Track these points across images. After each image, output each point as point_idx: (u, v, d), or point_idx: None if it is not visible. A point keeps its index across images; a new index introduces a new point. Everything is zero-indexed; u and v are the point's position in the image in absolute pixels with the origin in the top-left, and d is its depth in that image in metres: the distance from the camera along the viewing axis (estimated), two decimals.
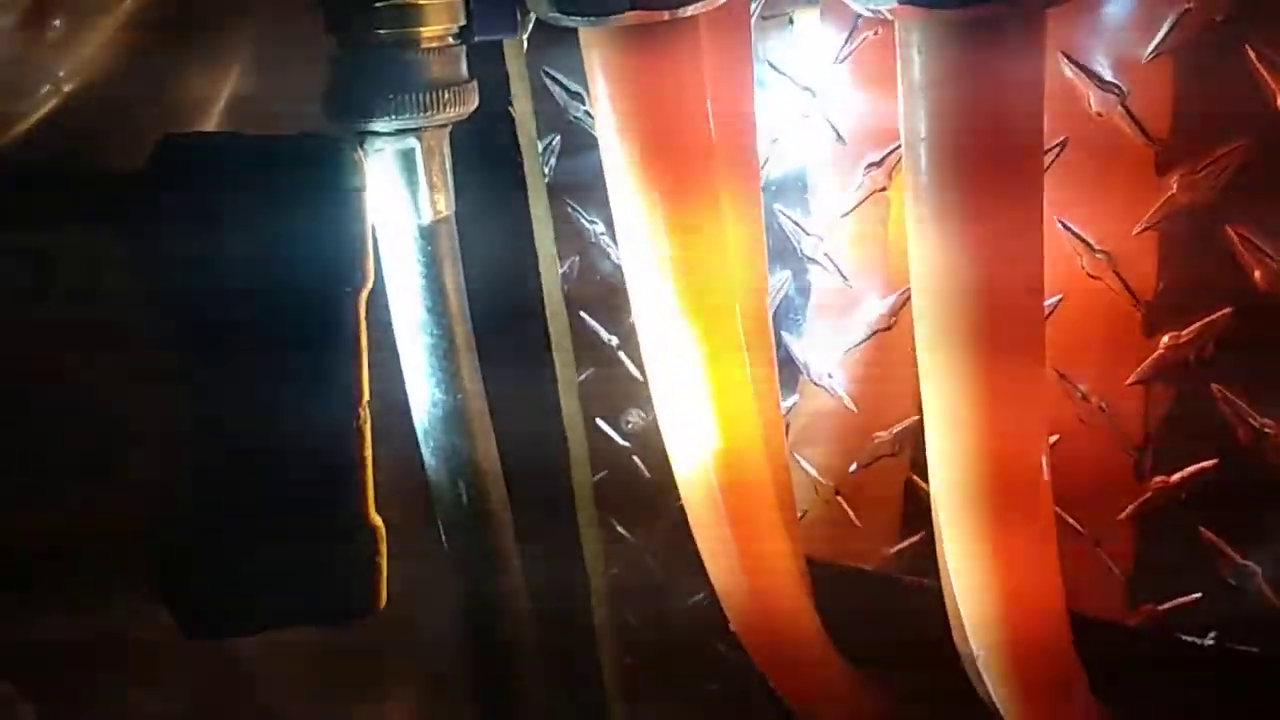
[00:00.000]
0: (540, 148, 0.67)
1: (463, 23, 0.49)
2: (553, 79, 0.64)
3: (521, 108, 0.65)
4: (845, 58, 0.55)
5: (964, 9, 0.35)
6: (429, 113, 0.47)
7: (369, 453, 0.43)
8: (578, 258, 0.69)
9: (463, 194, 0.55)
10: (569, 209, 0.67)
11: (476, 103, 0.51)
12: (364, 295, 0.42)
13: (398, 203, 0.50)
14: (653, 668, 0.76)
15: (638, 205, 0.45)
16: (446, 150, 0.51)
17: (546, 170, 0.67)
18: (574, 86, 0.64)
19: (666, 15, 0.41)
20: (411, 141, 0.48)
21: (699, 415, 0.51)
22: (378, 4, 0.47)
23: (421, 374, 0.53)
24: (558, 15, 0.41)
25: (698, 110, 0.44)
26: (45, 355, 0.42)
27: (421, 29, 0.47)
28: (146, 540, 0.42)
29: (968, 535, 0.45)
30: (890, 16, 0.36)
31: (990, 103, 0.37)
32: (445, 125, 0.50)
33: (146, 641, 0.45)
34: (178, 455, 0.42)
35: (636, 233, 0.45)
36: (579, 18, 0.40)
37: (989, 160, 0.38)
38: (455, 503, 0.55)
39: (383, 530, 0.43)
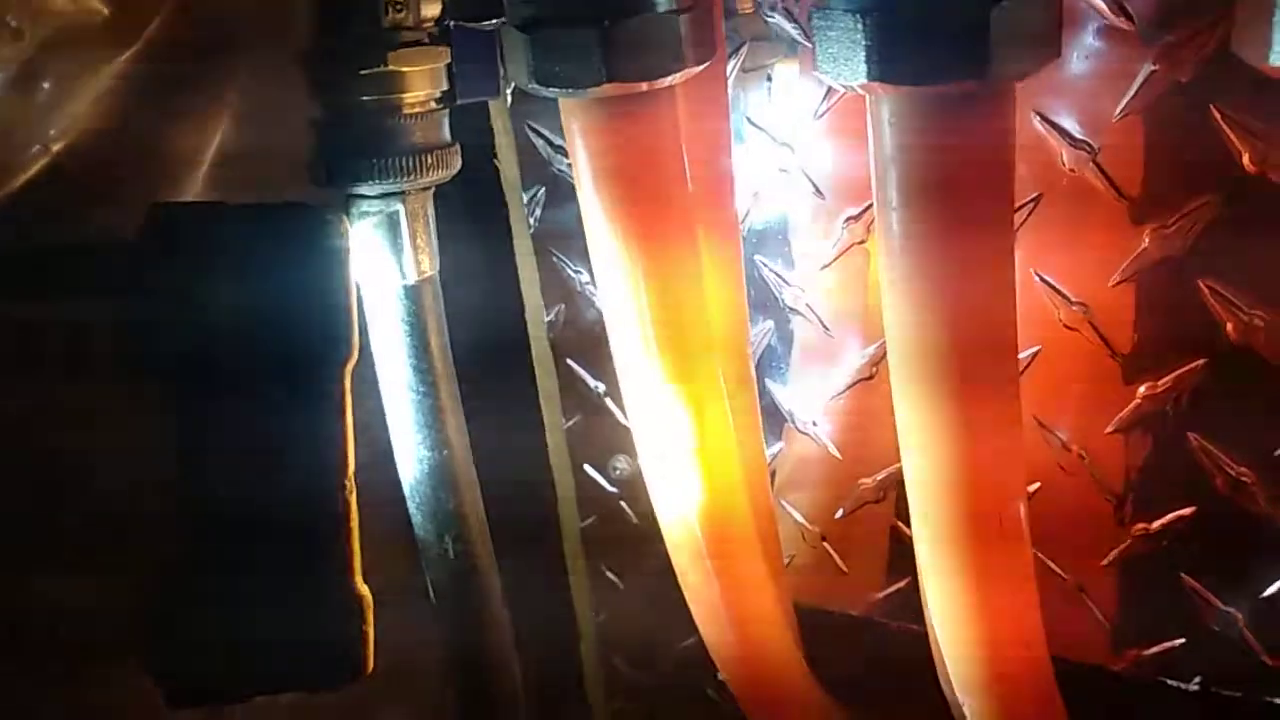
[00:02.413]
0: (525, 199, 0.67)
1: (445, 87, 0.50)
2: (537, 133, 0.65)
3: (506, 161, 0.66)
4: (824, 113, 0.56)
5: (933, 85, 0.36)
6: (413, 176, 0.48)
7: (355, 521, 0.43)
8: (563, 306, 0.69)
9: (450, 245, 0.56)
10: (554, 259, 0.68)
11: (459, 165, 0.51)
12: (350, 366, 0.43)
13: (383, 264, 0.50)
14: (642, 713, 0.76)
15: (620, 269, 0.45)
16: (430, 211, 0.52)
17: (532, 221, 0.68)
18: (558, 140, 0.65)
19: (645, 86, 0.41)
20: (396, 205, 0.49)
21: (683, 465, 0.51)
22: (362, 71, 0.47)
23: (408, 431, 0.53)
24: (538, 87, 0.41)
25: (676, 176, 0.45)
26: (32, 425, 0.42)
27: (405, 95, 0.48)
28: (132, 609, 0.42)
29: (950, 591, 0.45)
30: (861, 90, 0.37)
31: (960, 173, 0.38)
32: (429, 188, 0.51)
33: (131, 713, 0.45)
34: (165, 524, 0.42)
35: (620, 296, 0.46)
36: (558, 89, 0.41)
37: (960, 229, 0.38)
38: (442, 557, 0.55)
39: (369, 598, 0.43)
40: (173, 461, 0.41)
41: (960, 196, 0.38)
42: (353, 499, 0.42)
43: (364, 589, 0.42)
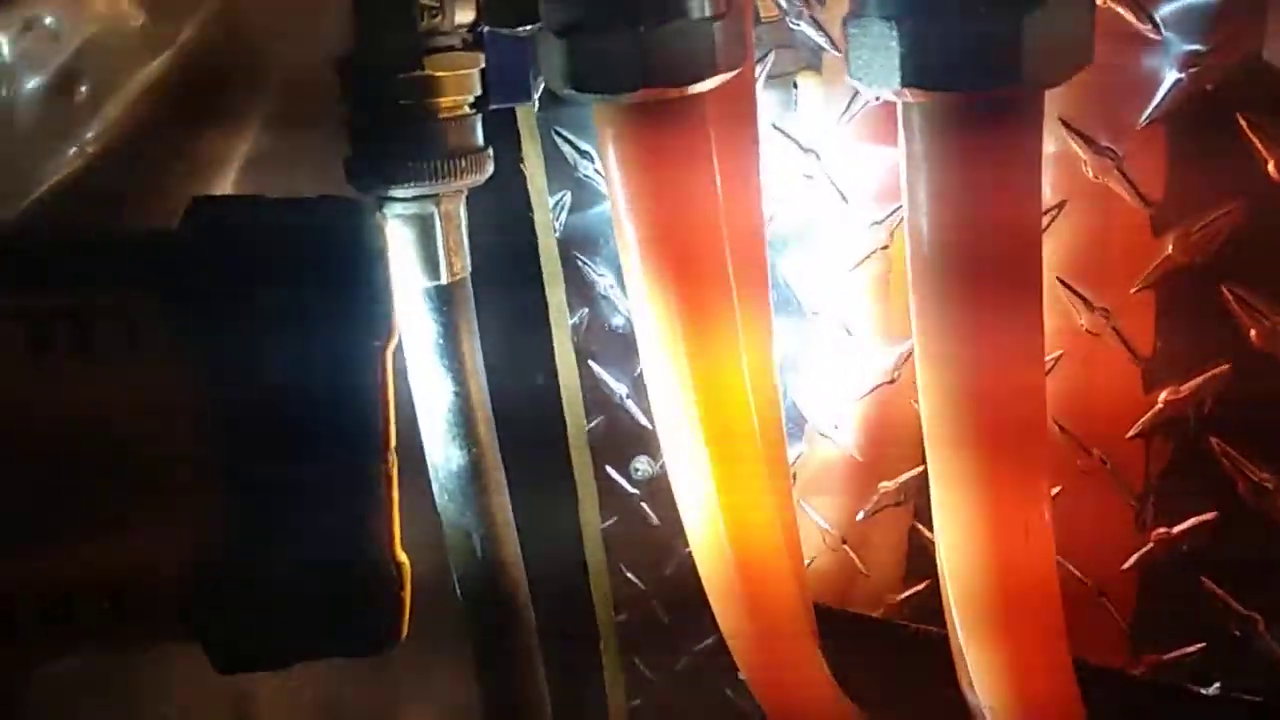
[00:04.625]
0: (551, 204, 0.68)
1: (479, 92, 0.50)
2: (563, 137, 0.66)
3: (533, 165, 0.67)
4: (848, 120, 0.57)
5: (966, 91, 0.36)
6: (447, 180, 0.49)
7: (395, 494, 0.44)
8: (588, 310, 0.70)
9: (476, 249, 0.57)
10: (579, 262, 0.69)
11: (492, 169, 0.52)
12: (391, 348, 0.44)
13: (415, 265, 0.51)
14: (661, 713, 0.77)
15: (649, 272, 0.46)
16: (463, 213, 0.52)
17: (557, 225, 0.69)
18: (583, 145, 0.66)
19: (678, 92, 0.42)
20: (430, 207, 0.50)
21: (708, 467, 0.52)
22: (399, 75, 0.48)
23: (438, 429, 0.54)
24: (572, 92, 0.42)
25: (707, 183, 0.45)
26: (83, 409, 0.43)
27: (440, 99, 0.49)
28: (181, 581, 0.43)
29: (975, 599, 0.45)
30: (894, 97, 0.38)
31: (990, 178, 0.38)
32: (461, 191, 0.51)
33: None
34: (212, 497, 0.43)
35: (648, 305, 0.46)
36: (593, 95, 0.42)
37: (990, 233, 0.39)
38: (469, 554, 0.56)
39: (408, 567, 0.45)
40: (221, 436, 0.42)
41: (991, 201, 0.38)
42: (394, 472, 0.43)
43: (402, 556, 0.44)
